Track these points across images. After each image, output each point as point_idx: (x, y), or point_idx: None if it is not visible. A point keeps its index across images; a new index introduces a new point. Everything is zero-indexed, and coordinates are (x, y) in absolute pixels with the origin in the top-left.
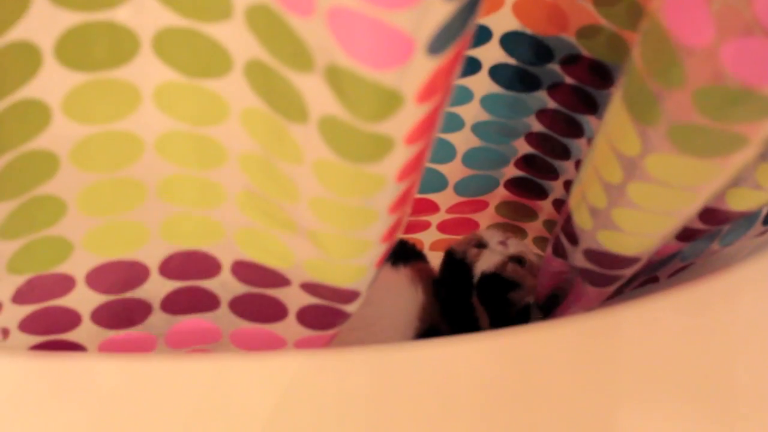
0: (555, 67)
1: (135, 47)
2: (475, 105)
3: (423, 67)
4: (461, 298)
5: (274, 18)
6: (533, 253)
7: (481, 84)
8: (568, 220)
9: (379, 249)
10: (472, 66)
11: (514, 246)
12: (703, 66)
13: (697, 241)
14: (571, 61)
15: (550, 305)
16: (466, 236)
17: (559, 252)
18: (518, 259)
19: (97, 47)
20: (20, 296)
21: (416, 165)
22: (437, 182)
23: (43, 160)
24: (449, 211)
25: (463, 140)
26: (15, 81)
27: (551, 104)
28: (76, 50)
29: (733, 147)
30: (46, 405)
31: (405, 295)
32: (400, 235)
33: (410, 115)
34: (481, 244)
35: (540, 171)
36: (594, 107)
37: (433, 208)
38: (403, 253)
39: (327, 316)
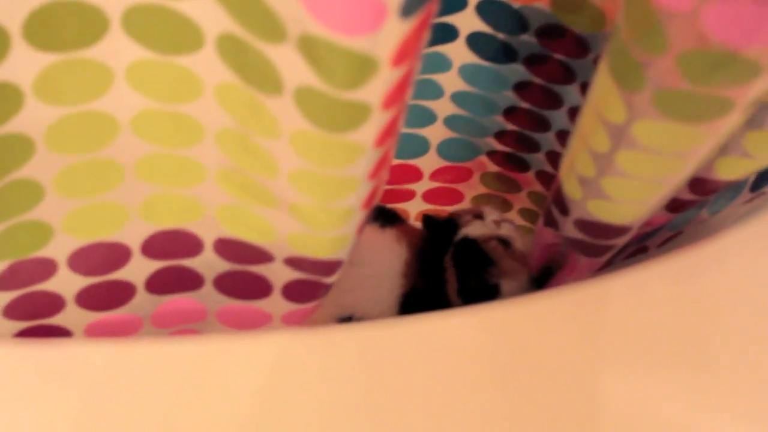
0: (531, 37)
1: (104, 26)
2: (454, 74)
3: (396, 31)
4: (437, 252)
5: None
6: (523, 238)
7: (459, 52)
8: (558, 190)
9: (360, 216)
10: (450, 33)
11: (507, 230)
12: (685, 30)
13: (686, 210)
14: (547, 31)
15: (544, 277)
16: (470, 207)
17: (551, 223)
18: (504, 241)
19: (65, 27)
20: (2, 283)
21: (393, 129)
22: (419, 146)
23: (18, 143)
24: (433, 177)
25: (443, 108)
26: None
27: (529, 77)
28: (45, 31)
29: (719, 111)
30: (33, 393)
31: (392, 253)
32: (382, 202)
33: (385, 79)
34: (478, 216)
35: (521, 145)
36: (572, 77)
37: (417, 174)
38: (388, 218)
39: (311, 290)
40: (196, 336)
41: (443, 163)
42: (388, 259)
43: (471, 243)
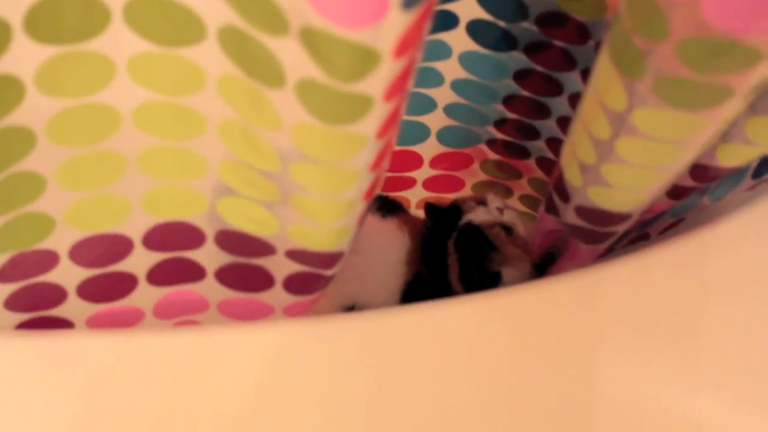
0: (531, 25)
1: (106, 18)
2: (454, 62)
3: (398, 22)
4: (440, 236)
5: None
6: (526, 225)
7: (459, 40)
8: (560, 177)
9: (361, 207)
10: (450, 20)
11: (510, 216)
12: (686, 17)
13: (687, 197)
14: (547, 18)
15: (545, 263)
16: (474, 194)
17: (552, 209)
18: (507, 228)
19: (67, 19)
20: (4, 275)
21: (394, 120)
22: (419, 133)
23: (19, 136)
24: (433, 164)
25: (443, 96)
26: None
27: (529, 64)
28: (46, 23)
29: (719, 99)
30: (34, 384)
31: (394, 241)
32: (383, 191)
33: (387, 71)
34: (481, 202)
35: (521, 133)
36: (573, 63)
37: (417, 160)
38: (390, 207)
39: (312, 282)
40: (196, 327)
41: (443, 150)
42: (391, 247)
43: (474, 229)
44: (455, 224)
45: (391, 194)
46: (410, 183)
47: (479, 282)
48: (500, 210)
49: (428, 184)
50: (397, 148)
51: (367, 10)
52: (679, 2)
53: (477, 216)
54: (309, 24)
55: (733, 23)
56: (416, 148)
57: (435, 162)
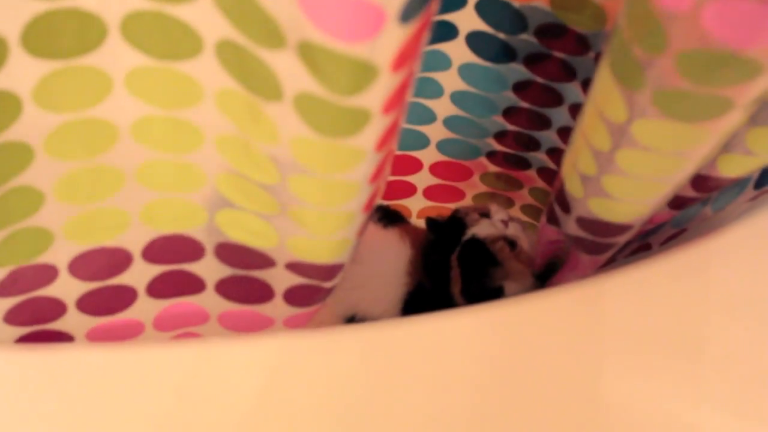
0: (530, 36)
1: (103, 33)
2: (454, 73)
3: (396, 36)
4: (443, 250)
5: None
6: (530, 239)
7: (459, 52)
8: (561, 188)
9: (360, 219)
10: (450, 31)
11: (514, 229)
12: (685, 30)
13: (689, 207)
14: (547, 30)
15: (547, 273)
16: (477, 204)
17: (553, 220)
18: (511, 242)
19: (64, 35)
20: (3, 289)
21: (393, 132)
22: (419, 141)
23: (17, 151)
24: (433, 171)
25: (442, 108)
26: None
27: (529, 76)
28: (43, 39)
29: (719, 111)
30: (34, 398)
31: (395, 252)
32: (383, 198)
33: (386, 85)
34: (485, 215)
35: (521, 144)
36: (573, 74)
37: (416, 165)
38: (391, 217)
39: (312, 294)
40: (197, 339)
41: (443, 158)
42: (392, 257)
43: (478, 244)
44: (458, 238)
45: (392, 203)
46: (411, 190)
47: (481, 296)
48: (504, 222)
49: (428, 193)
50: (397, 153)
51: (365, 23)
52: (679, 14)
53: (481, 229)
54: (306, 38)
55: (733, 35)
56: (416, 154)
57: (434, 169)
